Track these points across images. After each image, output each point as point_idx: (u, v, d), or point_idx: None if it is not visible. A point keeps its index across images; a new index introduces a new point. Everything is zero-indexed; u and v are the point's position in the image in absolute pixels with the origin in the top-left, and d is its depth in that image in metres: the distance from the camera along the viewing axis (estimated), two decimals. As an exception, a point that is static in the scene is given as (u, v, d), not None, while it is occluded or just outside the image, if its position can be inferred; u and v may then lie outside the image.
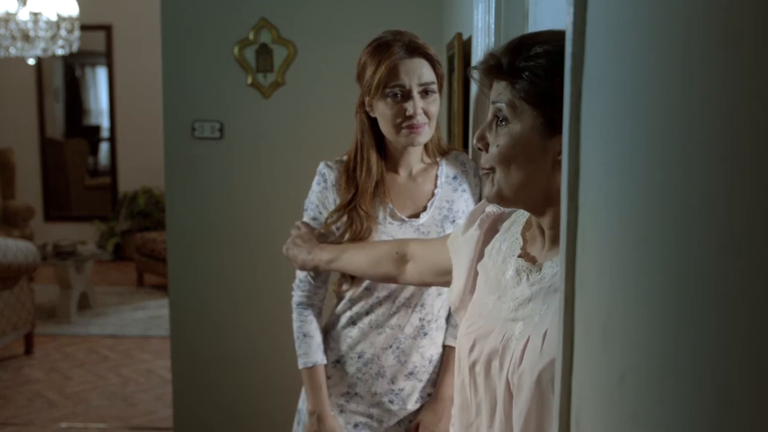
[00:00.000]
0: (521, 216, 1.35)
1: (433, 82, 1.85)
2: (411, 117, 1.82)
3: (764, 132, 0.44)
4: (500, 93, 1.20)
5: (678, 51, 0.57)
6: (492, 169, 1.23)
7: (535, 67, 1.14)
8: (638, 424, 0.65)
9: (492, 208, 1.42)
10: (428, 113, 1.85)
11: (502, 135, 1.20)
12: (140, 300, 6.71)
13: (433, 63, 1.86)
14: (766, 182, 0.44)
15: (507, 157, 1.19)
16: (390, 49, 1.83)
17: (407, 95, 1.83)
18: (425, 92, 1.84)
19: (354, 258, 1.79)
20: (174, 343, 3.42)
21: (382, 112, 1.85)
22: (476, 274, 1.38)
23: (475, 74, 1.29)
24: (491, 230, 1.40)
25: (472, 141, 1.26)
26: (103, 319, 6.14)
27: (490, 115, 1.23)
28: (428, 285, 1.81)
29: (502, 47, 1.22)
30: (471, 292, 1.40)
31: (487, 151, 1.23)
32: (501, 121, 1.20)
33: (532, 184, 1.19)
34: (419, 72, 1.83)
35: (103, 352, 5.39)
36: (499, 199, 1.24)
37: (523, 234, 1.31)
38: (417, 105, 1.82)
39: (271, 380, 3.33)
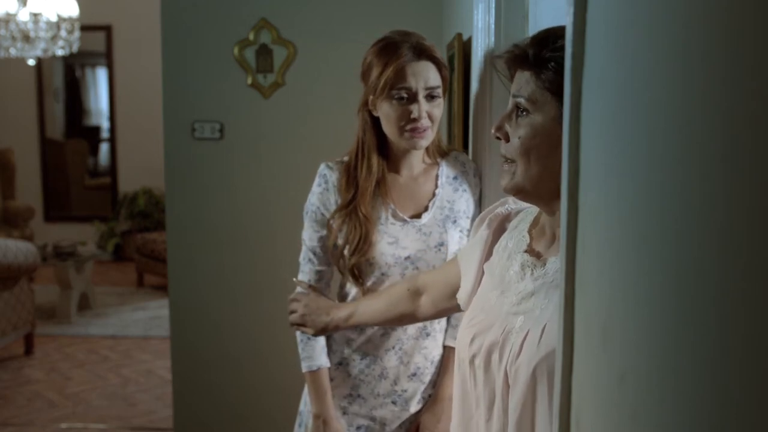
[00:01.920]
0: (529, 214, 1.37)
1: (438, 86, 1.85)
2: (415, 120, 1.82)
3: (764, 132, 0.44)
4: (523, 84, 1.21)
5: (678, 51, 0.57)
6: (512, 161, 1.23)
7: (561, 57, 1.15)
8: (638, 424, 0.65)
9: (501, 209, 1.44)
10: (432, 117, 1.85)
11: (523, 126, 1.21)
12: (140, 300, 6.71)
13: (439, 66, 1.86)
14: (766, 182, 0.44)
15: (528, 147, 1.20)
16: (398, 50, 1.82)
17: (413, 98, 1.82)
18: (431, 96, 1.84)
19: (371, 307, 1.76)
20: (174, 343, 3.42)
21: (387, 113, 1.85)
22: (483, 273, 1.40)
23: (498, 65, 1.30)
24: (499, 230, 1.42)
25: (491, 130, 1.27)
26: (103, 320, 6.14)
27: (510, 106, 1.25)
28: (445, 313, 1.76)
29: (527, 39, 1.24)
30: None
31: (506, 141, 1.24)
32: (522, 112, 1.21)
33: (550, 177, 1.19)
34: (426, 75, 1.83)
35: (103, 352, 5.38)
36: (517, 191, 1.25)
37: (530, 231, 1.32)
38: (422, 108, 1.82)
39: (271, 380, 3.33)
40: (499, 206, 1.46)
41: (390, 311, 1.71)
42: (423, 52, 1.83)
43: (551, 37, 1.20)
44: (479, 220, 1.47)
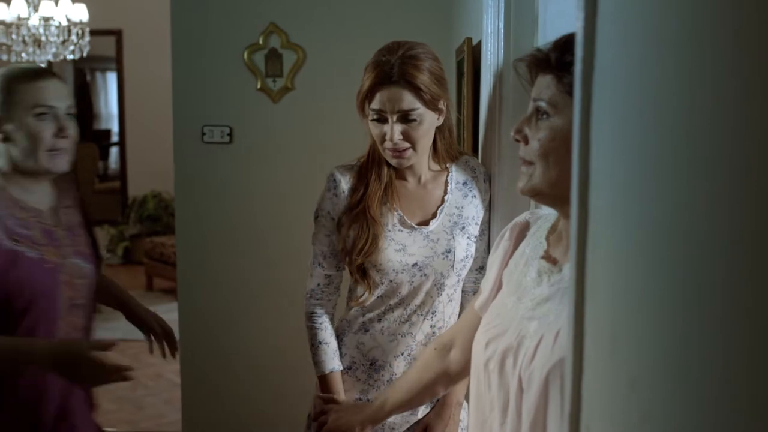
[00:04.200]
0: (547, 221, 1.38)
1: (414, 109, 1.81)
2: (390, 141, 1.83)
3: (776, 136, 0.44)
4: (544, 88, 1.22)
5: (687, 53, 0.57)
6: (531, 163, 1.24)
7: None
8: (648, 431, 0.65)
9: (520, 219, 1.45)
10: (410, 138, 1.83)
11: (543, 129, 1.22)
12: (149, 304, 6.63)
13: (416, 90, 1.80)
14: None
15: (547, 150, 1.21)
16: (376, 69, 1.81)
17: (385, 120, 1.82)
18: (405, 118, 1.81)
19: (404, 382, 1.72)
20: (183, 347, 3.43)
21: (371, 129, 1.87)
22: (502, 283, 1.41)
23: (519, 68, 1.30)
24: (519, 238, 1.43)
25: (511, 133, 1.27)
26: (112, 323, 6.14)
27: (530, 109, 1.25)
28: None
29: (549, 44, 1.24)
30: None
31: (526, 143, 1.25)
32: (542, 115, 1.22)
33: (568, 180, 1.20)
34: (397, 100, 1.80)
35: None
36: (534, 193, 1.26)
37: (547, 238, 1.33)
38: (394, 130, 1.81)
39: (280, 384, 3.33)
40: (520, 218, 1.48)
41: (423, 378, 1.67)
42: (400, 77, 1.79)
43: (574, 42, 1.20)
44: (501, 234, 1.48)
